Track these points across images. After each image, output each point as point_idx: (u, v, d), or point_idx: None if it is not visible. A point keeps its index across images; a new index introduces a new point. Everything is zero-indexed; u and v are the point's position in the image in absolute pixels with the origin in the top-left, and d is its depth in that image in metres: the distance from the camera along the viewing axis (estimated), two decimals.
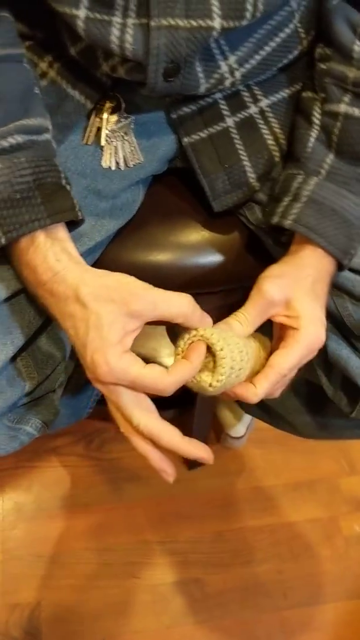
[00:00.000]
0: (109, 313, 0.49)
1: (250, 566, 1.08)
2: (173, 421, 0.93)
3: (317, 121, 0.58)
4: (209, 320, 0.53)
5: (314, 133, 0.58)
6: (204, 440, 1.12)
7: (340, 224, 0.56)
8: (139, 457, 1.20)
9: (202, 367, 0.53)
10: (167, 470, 0.54)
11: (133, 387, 0.50)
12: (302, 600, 1.06)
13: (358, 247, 0.58)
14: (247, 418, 1.12)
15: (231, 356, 0.52)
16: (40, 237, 0.50)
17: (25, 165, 0.50)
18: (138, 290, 0.49)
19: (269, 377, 0.55)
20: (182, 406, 1.06)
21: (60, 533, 1.08)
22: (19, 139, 0.51)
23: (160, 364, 0.52)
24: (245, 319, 0.54)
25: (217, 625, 1.02)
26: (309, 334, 0.54)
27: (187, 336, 0.53)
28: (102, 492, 1.12)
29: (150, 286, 0.50)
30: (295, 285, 0.55)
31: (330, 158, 0.57)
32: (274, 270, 0.56)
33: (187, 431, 1.16)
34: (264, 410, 0.87)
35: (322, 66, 0.58)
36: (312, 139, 0.58)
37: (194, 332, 0.52)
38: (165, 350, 1.20)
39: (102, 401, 1.05)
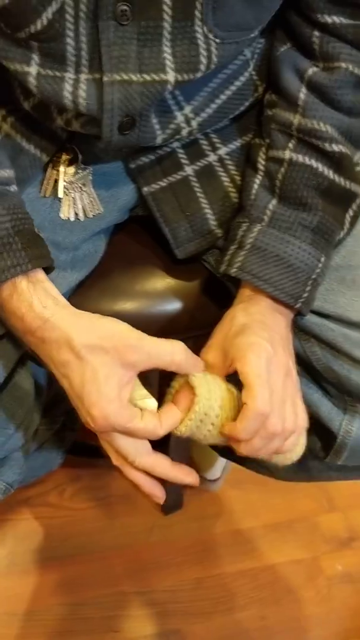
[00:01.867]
0: (103, 366, 0.49)
1: (232, 613, 1.05)
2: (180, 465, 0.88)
3: (261, 167, 0.59)
4: (202, 364, 0.54)
5: (258, 179, 0.58)
6: (179, 486, 1.10)
7: (285, 269, 0.55)
8: (114, 505, 1.17)
9: None
10: (159, 494, 0.57)
11: (128, 434, 0.51)
12: None
13: (313, 291, 0.58)
14: (222, 460, 1.10)
15: (208, 404, 0.52)
16: (22, 282, 0.50)
17: (3, 212, 0.50)
18: (132, 341, 0.50)
19: (246, 414, 0.52)
20: (157, 447, 1.04)
21: (34, 589, 1.04)
22: None
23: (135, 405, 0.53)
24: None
25: None
26: (252, 361, 0.52)
27: (179, 379, 0.54)
28: (76, 543, 1.09)
29: (143, 335, 0.51)
30: (222, 338, 0.56)
31: (273, 204, 0.57)
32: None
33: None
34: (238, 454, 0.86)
35: (269, 112, 0.59)
36: (256, 186, 0.58)
37: (184, 377, 0.54)
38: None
39: (74, 450, 1.02)
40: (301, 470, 0.76)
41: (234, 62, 0.58)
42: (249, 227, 0.57)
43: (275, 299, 0.56)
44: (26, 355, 0.58)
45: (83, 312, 0.51)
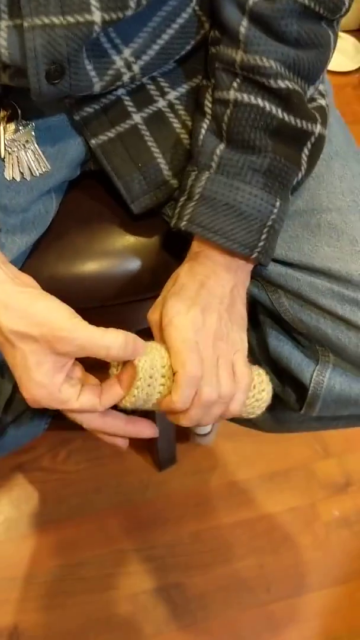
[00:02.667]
0: (33, 353, 0.47)
1: (231, 564, 1.06)
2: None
3: (208, 110, 0.55)
4: (142, 350, 0.50)
5: (205, 124, 0.55)
6: (170, 439, 1.10)
7: (236, 217, 0.52)
8: (108, 465, 1.17)
9: None
10: (119, 443, 0.54)
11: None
12: (287, 593, 1.04)
13: (271, 239, 0.54)
14: None
15: (150, 373, 0.49)
16: None
17: None
18: (63, 333, 0.46)
19: (179, 381, 0.51)
20: None
21: (32, 552, 1.05)
22: None
23: None
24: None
25: (202, 628, 1.00)
26: (178, 329, 0.51)
27: None
28: (72, 505, 1.09)
29: (78, 326, 0.47)
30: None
31: (220, 149, 0.54)
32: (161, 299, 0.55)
33: None
34: None
35: (213, 50, 0.54)
36: (203, 131, 0.55)
37: None
38: None
39: (60, 415, 1.01)
40: (281, 422, 0.75)
41: None
42: (197, 175, 0.54)
43: (227, 252, 0.53)
44: None
45: (21, 291, 0.48)
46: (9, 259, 0.56)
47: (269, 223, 0.53)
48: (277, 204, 0.53)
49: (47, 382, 0.47)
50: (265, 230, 0.53)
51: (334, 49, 0.55)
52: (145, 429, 0.53)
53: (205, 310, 0.51)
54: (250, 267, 0.55)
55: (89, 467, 1.13)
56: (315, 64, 0.53)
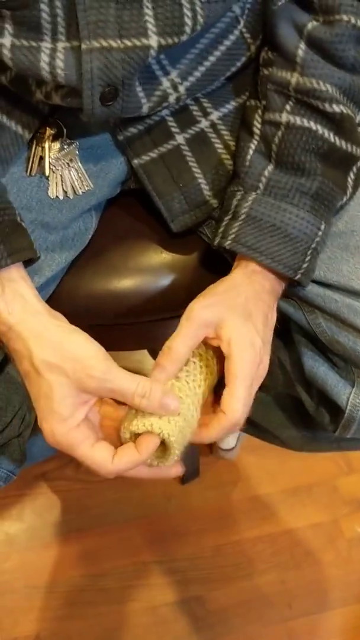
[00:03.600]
0: (60, 386, 0.47)
1: (252, 578, 1.05)
2: None
3: (257, 131, 0.55)
4: (173, 406, 0.49)
5: (253, 145, 0.55)
6: (194, 452, 1.10)
7: (282, 239, 0.52)
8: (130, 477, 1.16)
9: None
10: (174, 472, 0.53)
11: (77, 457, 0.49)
12: (308, 609, 1.04)
13: (313, 261, 0.55)
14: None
15: (182, 434, 0.50)
16: None
17: None
18: (95, 373, 0.47)
19: (223, 424, 0.52)
20: None
21: (54, 561, 1.05)
22: None
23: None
24: (177, 349, 0.51)
25: None
26: (245, 363, 0.50)
27: (137, 420, 0.49)
28: (94, 515, 1.09)
29: (110, 368, 0.48)
30: (226, 307, 0.51)
31: (268, 170, 0.54)
32: (206, 292, 0.53)
33: None
34: (251, 424, 0.84)
35: (265, 72, 0.55)
36: (250, 151, 0.55)
37: (142, 421, 0.49)
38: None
39: None
40: (312, 442, 0.75)
41: (222, 20, 0.53)
42: (244, 195, 0.54)
43: (270, 272, 0.53)
44: None
45: (57, 324, 0.49)
46: (48, 275, 0.56)
47: (313, 245, 0.53)
48: (322, 227, 0.54)
49: (67, 416, 0.47)
50: (310, 252, 0.53)
51: None
52: (171, 470, 0.52)
53: (263, 342, 0.52)
54: (283, 287, 0.56)
55: (112, 478, 1.13)
56: None
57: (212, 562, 1.06)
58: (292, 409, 0.74)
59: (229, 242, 0.53)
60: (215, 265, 0.63)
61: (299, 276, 0.53)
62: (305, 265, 0.53)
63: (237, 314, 0.52)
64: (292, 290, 0.58)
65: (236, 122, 0.59)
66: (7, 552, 1.05)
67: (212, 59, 0.54)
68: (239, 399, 0.50)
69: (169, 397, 0.48)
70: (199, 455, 1.13)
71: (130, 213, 0.65)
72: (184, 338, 0.51)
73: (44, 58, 0.47)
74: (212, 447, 1.15)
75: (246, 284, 0.53)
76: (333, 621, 1.03)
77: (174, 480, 1.13)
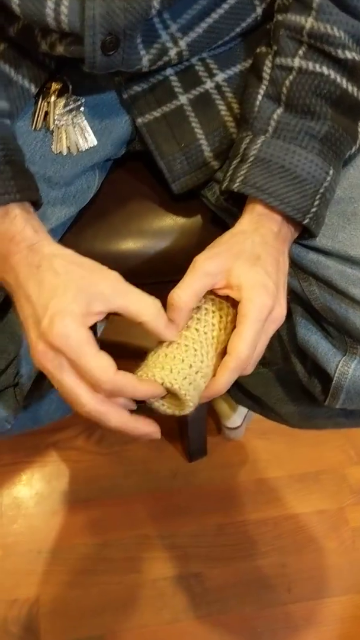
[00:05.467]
0: (78, 285, 0.47)
1: (253, 560, 1.05)
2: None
3: (266, 76, 0.55)
4: (173, 332, 0.50)
5: (262, 89, 0.55)
6: (202, 430, 1.10)
7: (290, 181, 0.52)
8: (139, 450, 1.18)
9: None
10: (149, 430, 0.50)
11: (75, 364, 0.47)
12: (307, 595, 1.03)
13: (322, 207, 0.54)
14: (243, 408, 1.09)
15: (189, 381, 0.50)
16: (16, 209, 0.50)
17: None
18: (111, 279, 0.48)
19: (229, 366, 0.51)
20: None
21: (60, 528, 1.07)
22: None
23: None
24: (180, 298, 0.50)
25: (218, 620, 1.00)
26: (254, 305, 0.50)
27: (142, 371, 0.50)
28: (102, 486, 1.11)
29: (124, 280, 0.49)
30: (231, 254, 0.51)
31: (277, 113, 0.54)
32: (211, 244, 0.53)
33: (183, 423, 1.14)
34: (254, 400, 0.85)
35: (279, 17, 0.55)
36: (260, 96, 0.55)
37: (146, 371, 0.50)
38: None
39: None
40: (308, 418, 0.75)
41: None
42: (252, 139, 0.54)
43: (280, 214, 0.53)
44: None
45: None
46: (48, 228, 0.58)
47: (322, 190, 0.53)
48: (331, 172, 0.54)
49: (80, 313, 0.46)
50: (318, 196, 0.53)
51: None
52: (147, 427, 0.50)
53: (276, 285, 0.52)
54: (293, 233, 0.55)
55: (120, 451, 1.15)
56: None
57: (214, 541, 1.07)
58: (291, 385, 0.74)
59: (237, 184, 0.53)
60: (216, 229, 0.64)
61: (307, 220, 0.53)
62: (314, 210, 0.53)
63: (244, 259, 0.51)
64: (291, 252, 0.57)
65: (241, 86, 0.59)
66: (15, 515, 1.08)
67: (215, 16, 0.55)
68: (245, 340, 0.49)
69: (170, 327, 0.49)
70: (207, 435, 1.13)
71: (134, 176, 0.66)
72: (185, 288, 0.50)
73: (50, 5, 0.49)
74: (219, 427, 1.16)
75: (253, 229, 0.53)
76: (331, 609, 1.02)
77: (181, 457, 1.14)
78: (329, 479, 1.14)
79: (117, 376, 0.46)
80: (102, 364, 0.46)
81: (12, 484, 1.11)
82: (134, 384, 0.47)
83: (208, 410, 1.12)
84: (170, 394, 0.51)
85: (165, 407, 0.52)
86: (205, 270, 0.51)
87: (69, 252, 0.50)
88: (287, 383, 0.75)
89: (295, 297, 0.62)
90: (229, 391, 0.88)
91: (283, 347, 0.69)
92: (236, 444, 1.17)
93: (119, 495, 1.10)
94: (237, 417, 1.09)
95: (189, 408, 0.51)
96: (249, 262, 0.51)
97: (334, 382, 0.59)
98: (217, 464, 1.14)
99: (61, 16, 0.49)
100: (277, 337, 0.69)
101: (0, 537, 1.06)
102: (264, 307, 0.50)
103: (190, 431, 1.09)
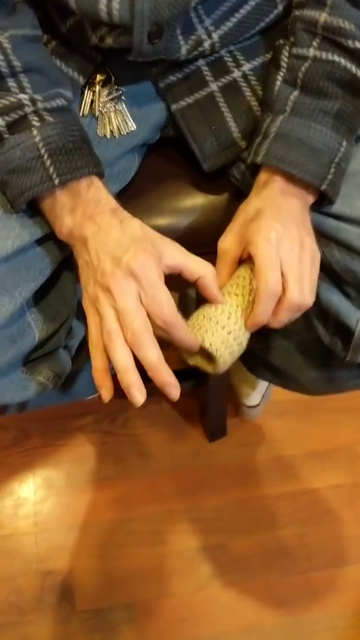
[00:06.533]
0: (152, 241, 0.56)
1: (273, 531, 1.11)
2: (188, 394, 0.97)
3: (284, 64, 0.62)
4: (220, 294, 0.58)
5: (281, 75, 0.62)
6: (221, 412, 1.16)
7: (308, 151, 0.59)
8: (162, 432, 1.24)
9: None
10: (135, 381, 0.55)
11: (146, 291, 0.54)
12: (327, 563, 1.08)
13: (338, 175, 0.61)
14: (262, 387, 1.15)
15: (225, 345, 0.57)
16: (97, 180, 0.58)
17: (73, 123, 0.58)
18: (176, 244, 0.58)
19: (260, 298, 0.58)
20: (197, 379, 1.10)
21: (89, 505, 1.13)
22: (63, 102, 0.58)
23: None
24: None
25: (243, 587, 1.05)
26: (260, 235, 0.57)
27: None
28: (127, 466, 1.17)
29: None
30: (237, 225, 0.60)
31: (294, 95, 0.61)
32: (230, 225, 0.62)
33: (203, 403, 1.20)
34: (274, 373, 0.91)
35: (297, 12, 0.62)
36: (278, 82, 0.62)
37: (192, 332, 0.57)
38: None
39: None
40: (332, 382, 0.81)
41: None
42: (273, 118, 0.61)
43: (291, 181, 0.60)
44: (73, 262, 0.64)
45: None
46: None
47: (336, 160, 0.60)
48: (344, 143, 0.61)
49: (156, 256, 0.54)
50: (334, 165, 0.60)
51: None
52: (171, 379, 0.55)
53: (286, 225, 0.58)
54: (310, 199, 0.61)
55: (144, 433, 1.21)
56: None
57: (236, 514, 1.12)
58: (312, 352, 0.80)
59: (260, 157, 0.60)
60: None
61: (324, 186, 0.60)
62: (330, 177, 0.60)
63: (247, 220, 0.60)
64: (311, 221, 0.64)
65: (265, 74, 0.67)
66: (46, 494, 1.14)
67: (242, 12, 0.62)
68: (263, 268, 0.56)
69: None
70: (226, 416, 1.19)
71: (167, 160, 0.73)
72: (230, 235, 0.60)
73: (103, 1, 0.56)
74: (238, 410, 1.22)
75: (255, 195, 0.61)
76: (351, 576, 1.07)
77: (202, 437, 1.20)
78: (342, 456, 1.20)
79: (178, 315, 0.54)
80: (170, 299, 0.54)
81: (42, 465, 1.17)
82: (186, 328, 0.54)
83: (228, 393, 1.19)
84: (207, 353, 0.58)
85: (202, 363, 0.59)
86: (221, 248, 0.60)
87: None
88: (308, 351, 0.81)
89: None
90: (250, 365, 0.95)
91: (304, 312, 0.75)
92: (254, 425, 1.23)
93: (143, 474, 1.16)
94: (256, 395, 1.15)
95: (221, 367, 0.58)
96: (251, 222, 0.59)
97: (355, 336, 0.65)
98: (236, 443, 1.20)
99: (113, 11, 0.56)
100: None
101: (34, 515, 1.11)
102: (268, 233, 0.57)
103: (210, 412, 1.15)
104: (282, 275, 0.57)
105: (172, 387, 0.54)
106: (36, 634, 1.00)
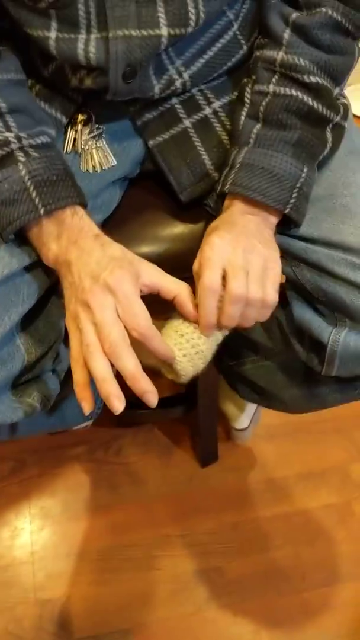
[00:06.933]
0: (130, 261, 0.60)
1: (268, 553, 1.13)
2: (179, 420, 1.00)
3: (247, 100, 0.68)
4: (194, 311, 0.62)
5: (245, 110, 0.68)
6: (213, 437, 1.19)
7: (270, 178, 0.64)
8: (155, 459, 1.26)
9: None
10: (115, 392, 0.57)
11: (122, 304, 0.57)
12: (321, 582, 1.10)
13: (301, 200, 0.65)
14: (250, 410, 1.18)
15: (188, 358, 0.62)
16: (81, 210, 0.62)
17: (57, 157, 0.63)
18: (154, 265, 0.62)
19: (200, 295, 0.62)
20: (187, 405, 1.14)
21: (85, 532, 1.14)
22: (47, 139, 0.63)
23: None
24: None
25: (239, 608, 1.06)
26: (203, 249, 0.63)
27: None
28: (122, 492, 1.19)
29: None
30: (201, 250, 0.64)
31: (257, 128, 0.66)
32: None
33: (194, 429, 1.23)
34: (258, 393, 0.94)
35: (257, 53, 0.68)
36: (243, 117, 0.67)
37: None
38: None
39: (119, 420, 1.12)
40: (311, 398, 0.84)
41: (219, 22, 0.67)
42: (239, 150, 0.66)
43: (252, 203, 0.64)
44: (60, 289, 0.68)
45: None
46: None
47: (298, 185, 0.65)
48: (305, 169, 0.65)
49: (132, 273, 0.58)
50: (296, 190, 0.64)
51: (357, 59, 0.68)
52: (148, 386, 0.57)
53: (236, 236, 0.62)
54: (272, 220, 0.66)
55: (137, 461, 1.23)
56: (342, 68, 0.66)
57: (231, 537, 1.14)
58: (292, 370, 0.84)
59: (227, 186, 0.65)
60: None
61: (288, 210, 0.64)
62: (292, 201, 0.64)
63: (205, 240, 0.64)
64: (281, 244, 0.68)
65: (233, 110, 0.72)
66: (42, 523, 1.15)
67: (210, 53, 0.68)
68: (204, 269, 0.61)
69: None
70: (218, 441, 1.22)
71: (147, 192, 0.78)
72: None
73: (80, 46, 0.61)
74: (228, 433, 1.25)
75: (224, 221, 0.65)
76: (345, 594, 1.09)
77: (194, 462, 1.23)
78: (334, 476, 1.22)
79: (153, 327, 0.57)
80: (145, 311, 0.57)
81: (38, 494, 1.19)
82: (161, 339, 0.58)
83: (218, 418, 1.22)
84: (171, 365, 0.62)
85: (166, 371, 0.64)
86: (194, 271, 0.64)
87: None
88: (289, 370, 0.85)
89: (289, 284, 0.73)
90: (236, 387, 0.98)
91: (282, 332, 0.79)
92: (245, 449, 1.25)
93: (138, 500, 1.18)
94: (244, 418, 1.18)
95: (182, 380, 0.63)
96: (207, 237, 0.63)
97: (328, 350, 0.69)
98: (228, 467, 1.22)
99: (90, 54, 0.62)
100: (276, 323, 0.80)
101: (30, 544, 1.13)
102: (212, 241, 0.62)
103: (202, 438, 1.18)
104: (225, 272, 0.61)
105: (151, 394, 0.57)
106: None
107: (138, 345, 0.60)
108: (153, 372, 0.62)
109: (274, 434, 1.27)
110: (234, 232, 0.62)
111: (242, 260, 0.61)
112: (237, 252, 0.61)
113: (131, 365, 0.56)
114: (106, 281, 0.57)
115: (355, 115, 1.82)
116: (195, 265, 0.64)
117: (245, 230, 0.63)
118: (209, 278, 0.61)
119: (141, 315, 0.57)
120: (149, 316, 0.57)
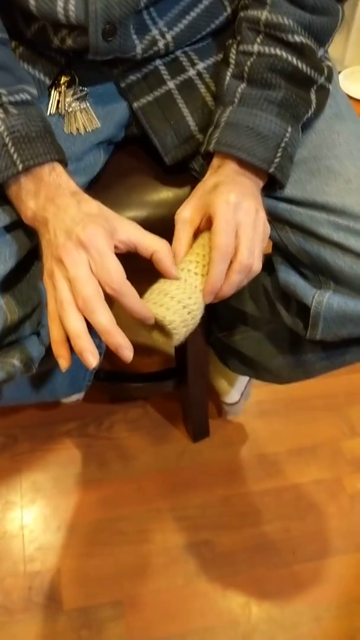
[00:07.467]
0: (106, 216, 0.59)
1: (258, 527, 1.13)
2: (171, 396, 1.01)
3: (232, 60, 0.67)
4: (175, 270, 0.61)
5: (229, 71, 0.67)
6: (204, 412, 1.19)
7: (255, 137, 0.64)
8: (146, 434, 1.26)
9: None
10: (90, 347, 0.56)
11: (95, 261, 0.56)
12: (311, 555, 1.10)
13: (285, 159, 0.65)
14: (240, 384, 1.18)
15: (180, 319, 0.60)
16: (59, 167, 0.62)
17: (36, 114, 0.62)
18: (132, 222, 0.60)
19: (214, 258, 0.61)
20: (178, 379, 1.14)
21: (76, 507, 1.15)
22: (27, 96, 0.63)
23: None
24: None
25: (229, 582, 1.07)
26: (218, 204, 0.60)
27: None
28: (113, 468, 1.19)
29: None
30: (197, 196, 0.63)
31: (241, 87, 0.66)
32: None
33: (185, 404, 1.24)
34: (246, 364, 0.94)
35: (241, 14, 0.68)
36: (227, 77, 0.67)
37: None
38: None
39: (105, 378, 1.12)
40: (298, 366, 0.84)
41: None
42: (223, 109, 0.66)
43: (243, 165, 0.64)
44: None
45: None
46: None
47: (282, 144, 0.64)
48: (289, 129, 0.65)
49: (106, 228, 0.56)
50: (280, 149, 0.64)
51: (342, 21, 0.68)
52: (123, 340, 0.56)
53: (243, 195, 0.62)
54: (260, 182, 0.65)
55: (129, 436, 1.24)
56: (326, 28, 0.66)
57: (221, 511, 1.14)
58: (280, 339, 0.84)
59: (212, 145, 0.65)
60: None
61: (272, 169, 0.64)
62: (277, 161, 0.64)
63: (206, 192, 0.63)
64: (267, 207, 0.68)
65: (217, 72, 0.71)
66: (34, 497, 1.16)
67: (193, 14, 0.68)
68: (218, 231, 0.60)
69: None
70: (209, 417, 1.22)
71: (133, 157, 0.78)
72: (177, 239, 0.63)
73: (60, 4, 0.61)
74: (219, 410, 1.25)
75: (212, 174, 0.64)
76: (334, 568, 1.09)
77: (186, 438, 1.23)
78: (325, 452, 1.23)
79: (127, 283, 0.56)
80: (119, 267, 0.56)
81: (30, 469, 1.19)
82: (136, 296, 0.57)
83: (209, 393, 1.22)
84: (163, 328, 0.61)
85: (158, 337, 0.62)
86: (182, 217, 0.63)
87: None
88: (276, 339, 0.85)
89: (274, 248, 0.73)
90: (225, 360, 0.98)
91: (269, 299, 0.79)
92: (236, 424, 1.26)
93: (129, 475, 1.19)
94: (235, 392, 1.18)
95: (176, 342, 0.61)
96: (210, 191, 0.62)
97: (312, 311, 0.68)
98: (220, 443, 1.23)
99: (69, 12, 0.61)
100: (262, 291, 0.80)
101: (22, 517, 1.13)
102: (226, 202, 0.60)
103: (193, 413, 1.18)
104: (236, 237, 0.61)
105: (125, 349, 0.56)
106: (24, 634, 1.01)
107: (127, 319, 0.59)
108: (143, 350, 0.60)
109: (266, 410, 1.28)
110: (240, 190, 0.62)
111: (252, 226, 0.61)
112: (250, 216, 0.61)
113: (105, 319, 0.55)
114: (79, 236, 0.56)
115: (354, 98, 1.83)
116: (186, 213, 0.63)
117: (248, 190, 0.63)
118: (226, 243, 0.60)
119: (114, 270, 0.56)
120: (124, 272, 0.56)
